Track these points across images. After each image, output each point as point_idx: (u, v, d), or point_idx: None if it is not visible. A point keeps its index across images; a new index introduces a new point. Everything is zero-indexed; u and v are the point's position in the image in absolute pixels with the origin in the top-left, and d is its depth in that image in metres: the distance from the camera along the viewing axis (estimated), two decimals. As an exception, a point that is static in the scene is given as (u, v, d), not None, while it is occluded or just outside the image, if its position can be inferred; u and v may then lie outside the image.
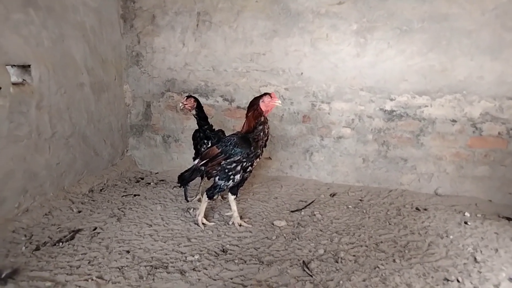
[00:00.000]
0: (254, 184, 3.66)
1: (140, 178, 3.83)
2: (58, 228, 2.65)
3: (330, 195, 3.46)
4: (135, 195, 3.30)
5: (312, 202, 3.25)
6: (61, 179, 3.13)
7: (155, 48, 3.80)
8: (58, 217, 2.83)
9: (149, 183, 3.65)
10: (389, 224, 2.89)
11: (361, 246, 2.53)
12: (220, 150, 2.61)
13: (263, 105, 2.63)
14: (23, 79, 2.76)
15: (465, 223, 2.91)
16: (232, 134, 2.68)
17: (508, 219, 3.01)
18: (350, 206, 3.21)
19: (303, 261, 2.28)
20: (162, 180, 3.75)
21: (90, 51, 3.38)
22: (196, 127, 3.15)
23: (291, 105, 3.69)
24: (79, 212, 2.94)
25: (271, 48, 3.61)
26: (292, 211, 3.07)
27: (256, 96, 2.67)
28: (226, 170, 2.60)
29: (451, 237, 2.68)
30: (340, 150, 3.69)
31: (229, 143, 2.58)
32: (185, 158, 4.00)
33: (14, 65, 2.67)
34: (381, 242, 2.60)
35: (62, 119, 3.09)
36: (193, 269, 2.17)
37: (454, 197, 3.46)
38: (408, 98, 3.45)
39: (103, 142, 3.67)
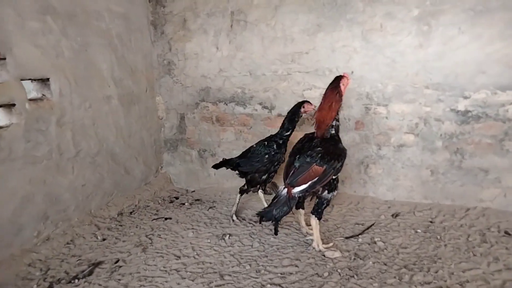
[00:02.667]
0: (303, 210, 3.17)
1: (174, 197, 3.50)
2: (78, 260, 2.36)
3: (392, 215, 2.88)
4: (166, 219, 2.96)
5: (371, 225, 2.69)
6: (87, 202, 2.86)
7: (187, 54, 3.48)
8: (80, 246, 2.54)
9: (183, 204, 3.30)
10: (474, 255, 2.27)
11: (441, 287, 1.96)
12: (325, 167, 2.17)
13: (343, 88, 2.32)
14: (42, 94, 2.53)
15: None
16: (317, 142, 2.27)
17: None
18: (419, 230, 2.61)
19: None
20: (198, 200, 3.38)
21: (117, 60, 3.12)
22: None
23: (341, 110, 3.17)
24: (104, 240, 2.63)
25: (314, 46, 3.13)
26: (347, 238, 2.54)
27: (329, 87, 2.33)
28: (331, 180, 2.25)
29: None
30: (402, 161, 3.10)
31: (334, 157, 2.19)
32: (223, 174, 3.61)
33: (33, 79, 2.45)
34: (467, 281, 2.00)
35: (87, 135, 2.83)
36: (224, 319, 1.74)
37: (555, 217, 2.74)
38: (488, 95, 2.79)
39: (134, 159, 3.39)
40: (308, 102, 2.75)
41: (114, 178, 3.13)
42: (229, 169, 2.99)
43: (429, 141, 2.99)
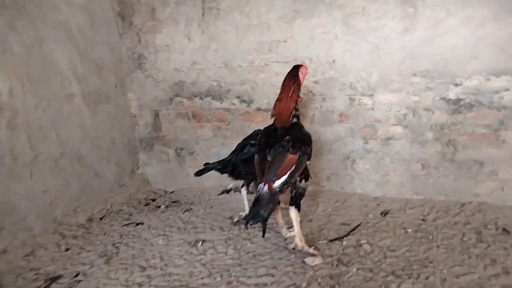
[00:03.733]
0: (281, 203, 2.95)
1: (151, 199, 3.28)
2: (35, 275, 2.14)
3: (382, 213, 2.68)
4: (137, 224, 2.74)
5: (357, 226, 2.48)
6: (50, 209, 2.63)
7: (158, 46, 3.23)
8: (40, 258, 2.32)
9: (159, 206, 3.08)
10: (469, 257, 2.06)
11: (431, 297, 1.75)
12: (298, 154, 2.06)
13: (302, 77, 2.26)
14: (-10, 95, 2.29)
15: None
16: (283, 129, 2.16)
17: None
18: (409, 230, 2.41)
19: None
20: (175, 202, 3.16)
21: (79, 56, 2.88)
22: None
23: (323, 101, 2.95)
24: (67, 250, 2.42)
25: (292, 33, 2.90)
26: (331, 240, 2.33)
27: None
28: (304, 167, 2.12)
29: None
30: (390, 154, 2.89)
31: (303, 143, 2.10)
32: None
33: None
34: (461, 288, 1.80)
35: (46, 138, 2.60)
36: None
37: (556, 211, 2.54)
38: (481, 81, 2.58)
39: (105, 160, 3.16)
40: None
41: (81, 182, 2.90)
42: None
43: (419, 133, 2.78)
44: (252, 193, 2.97)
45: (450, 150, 2.74)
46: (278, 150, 2.07)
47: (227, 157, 2.71)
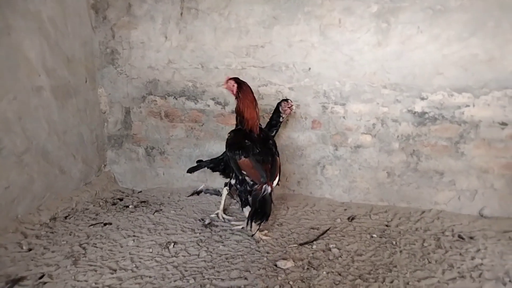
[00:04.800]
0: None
1: (118, 199, 3.19)
2: (-6, 276, 2.03)
3: (348, 218, 2.78)
4: (105, 224, 2.66)
5: (326, 231, 2.56)
6: (12, 207, 2.50)
7: (133, 43, 3.16)
8: (0, 258, 2.20)
9: (127, 206, 3.01)
10: (429, 262, 2.20)
11: (396, 299, 1.86)
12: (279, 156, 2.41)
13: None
14: (-48, 83, 2.15)
15: (530, 259, 2.22)
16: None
17: None
18: (374, 235, 2.52)
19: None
20: (144, 202, 3.10)
21: (49, 48, 2.76)
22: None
23: (297, 108, 3.02)
24: (29, 250, 2.30)
25: (271, 39, 2.95)
26: (301, 244, 2.39)
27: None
28: None
29: (516, 282, 1.99)
30: (358, 162, 3.00)
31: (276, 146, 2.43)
32: (172, 174, 3.36)
33: None
34: (422, 291, 1.92)
35: (11, 131, 2.47)
36: None
37: (505, 220, 2.76)
38: (444, 97, 2.76)
39: (71, 157, 3.05)
40: (285, 100, 2.71)
41: (46, 179, 2.78)
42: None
43: (386, 142, 2.92)
44: (232, 197, 2.99)
45: (414, 159, 2.90)
46: (269, 153, 2.33)
47: (219, 156, 2.78)
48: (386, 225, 2.69)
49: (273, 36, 2.94)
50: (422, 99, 2.80)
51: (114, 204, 3.08)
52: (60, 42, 2.85)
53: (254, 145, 2.30)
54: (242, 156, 2.27)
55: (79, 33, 3.06)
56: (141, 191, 3.41)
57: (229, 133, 2.47)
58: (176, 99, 3.20)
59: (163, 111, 3.25)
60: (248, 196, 2.34)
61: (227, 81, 2.47)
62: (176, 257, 2.23)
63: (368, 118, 2.91)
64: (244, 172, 2.29)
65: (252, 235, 2.45)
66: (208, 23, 3.00)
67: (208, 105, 3.16)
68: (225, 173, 2.71)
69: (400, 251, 2.32)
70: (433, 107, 2.79)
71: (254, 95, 2.43)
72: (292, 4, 2.84)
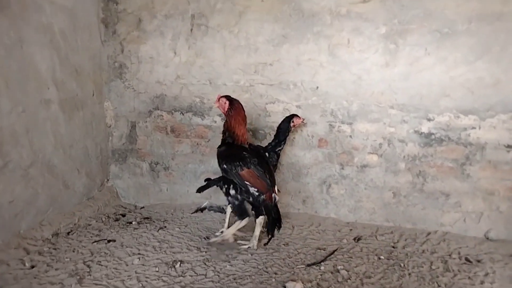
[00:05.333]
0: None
1: (121, 214, 3.15)
2: (-3, 294, 1.98)
3: (355, 239, 2.76)
4: (109, 241, 2.62)
5: (333, 252, 2.54)
6: (15, 222, 2.46)
7: (141, 57, 3.17)
8: (2, 275, 2.14)
9: (131, 222, 2.97)
10: (438, 285, 2.18)
11: (408, 325, 1.83)
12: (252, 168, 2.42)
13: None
14: (-38, 96, 2.13)
15: (540, 284, 2.20)
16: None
17: None
18: (382, 257, 2.50)
19: None
20: (147, 218, 3.06)
21: (59, 60, 2.76)
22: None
23: (304, 126, 3.03)
24: (32, 267, 2.25)
25: (279, 57, 2.97)
26: (308, 265, 2.36)
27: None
28: None
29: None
30: (364, 181, 3.00)
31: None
32: (176, 190, 3.34)
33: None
34: (434, 317, 1.90)
35: (18, 144, 2.44)
36: None
37: (511, 243, 2.75)
38: (451, 118, 2.78)
39: (76, 171, 3.01)
40: (297, 115, 2.82)
41: (50, 193, 2.74)
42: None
43: (392, 162, 2.92)
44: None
45: (420, 180, 2.90)
46: (266, 162, 2.54)
47: None
48: (393, 247, 2.67)
49: (282, 54, 2.96)
50: (429, 120, 2.82)
51: (117, 220, 3.04)
52: (69, 55, 2.86)
53: (251, 156, 2.43)
54: (245, 167, 2.37)
55: (88, 47, 3.07)
56: (143, 207, 3.37)
57: (219, 147, 2.56)
58: (183, 114, 3.20)
59: (169, 126, 3.24)
60: (245, 205, 2.53)
61: (218, 99, 2.56)
62: (183, 276, 2.19)
63: (375, 137, 2.92)
64: (248, 183, 2.38)
65: (266, 243, 2.58)
66: (217, 40, 3.02)
67: (215, 121, 3.16)
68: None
69: (409, 274, 2.30)
70: (439, 128, 2.81)
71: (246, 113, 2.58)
72: (302, 24, 2.88)
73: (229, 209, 2.73)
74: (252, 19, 2.95)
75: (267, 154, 2.77)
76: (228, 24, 2.99)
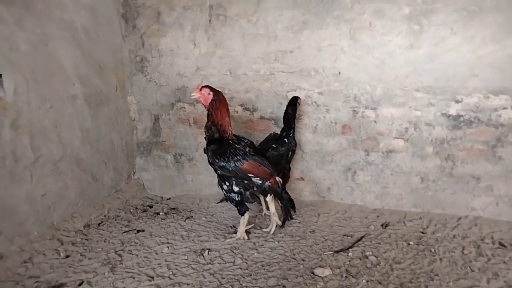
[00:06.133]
0: (284, 212, 2.96)
1: (148, 206, 3.22)
2: (35, 283, 2.05)
3: (382, 225, 2.72)
4: (138, 231, 2.68)
5: (361, 238, 2.51)
6: (48, 214, 2.55)
7: (162, 50, 3.20)
8: (39, 265, 2.23)
9: (158, 213, 3.03)
10: (471, 270, 2.12)
11: (442, 309, 1.80)
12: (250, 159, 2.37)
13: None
14: (-6, 93, 2.21)
15: None
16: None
17: None
18: (411, 242, 2.46)
19: None
20: (174, 209, 3.12)
21: (83, 56, 2.82)
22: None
23: (327, 112, 2.99)
24: (67, 257, 2.33)
25: (299, 44, 2.94)
26: (336, 252, 2.35)
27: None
28: None
29: None
30: (391, 167, 2.95)
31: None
32: (201, 181, 3.37)
33: (-19, 76, 2.13)
34: (469, 301, 1.85)
35: (48, 139, 2.52)
36: None
37: (548, 226, 2.65)
38: (480, 99, 2.68)
39: (103, 164, 3.09)
40: (298, 97, 2.87)
41: (80, 186, 2.83)
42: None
43: (419, 146, 2.85)
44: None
45: (448, 164, 2.82)
46: (258, 150, 2.48)
47: None
48: (422, 232, 2.62)
49: (302, 41, 2.92)
50: (457, 102, 2.73)
51: (144, 211, 3.11)
52: (92, 51, 2.91)
53: (245, 147, 2.37)
54: (244, 160, 2.31)
55: (110, 42, 3.12)
56: (169, 198, 3.42)
57: (207, 145, 2.42)
58: (205, 105, 3.21)
59: (191, 118, 3.27)
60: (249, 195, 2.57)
61: (200, 89, 2.36)
62: (211, 264, 2.22)
63: (400, 122, 2.86)
64: (251, 174, 2.34)
65: (282, 225, 2.63)
66: (236, 30, 3.01)
67: (237, 111, 3.16)
68: None
69: (440, 259, 2.25)
70: (468, 110, 2.71)
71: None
72: (321, 9, 2.83)
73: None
74: (270, 7, 2.92)
75: (286, 140, 2.78)
76: (246, 13, 2.97)
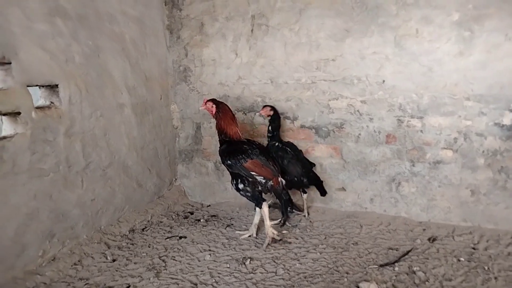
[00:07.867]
0: (325, 222, 2.91)
1: (189, 212, 3.27)
2: (85, 285, 2.14)
3: (429, 239, 2.61)
4: (180, 237, 2.72)
5: (408, 252, 2.42)
6: (97, 218, 2.66)
7: (204, 60, 3.27)
8: (88, 267, 2.32)
9: (199, 220, 3.07)
10: (531, 291, 1.98)
11: (500, 332, 1.69)
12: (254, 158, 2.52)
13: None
14: (51, 102, 2.34)
15: None
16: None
17: None
18: (462, 259, 2.33)
19: None
20: (214, 216, 3.15)
21: (131, 67, 2.93)
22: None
23: (370, 121, 2.92)
24: (114, 260, 2.41)
25: (342, 52, 2.90)
26: (381, 266, 2.27)
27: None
28: None
29: None
30: (438, 179, 2.82)
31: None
32: (241, 188, 3.38)
33: (40, 86, 2.27)
34: (530, 325, 1.73)
35: (97, 147, 2.63)
36: None
37: None
38: (537, 108, 2.52)
39: (147, 171, 3.18)
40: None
41: (125, 192, 2.92)
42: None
43: (470, 158, 2.72)
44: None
45: (502, 177, 2.67)
46: (265, 152, 2.62)
47: None
48: (473, 248, 2.48)
49: (345, 49, 2.89)
50: (511, 111, 2.58)
51: (185, 217, 3.16)
52: (139, 62, 3.02)
53: (252, 148, 2.53)
54: (248, 159, 2.47)
55: (155, 53, 3.22)
56: (209, 205, 3.46)
57: (220, 147, 2.63)
58: (245, 114, 3.24)
59: (232, 126, 3.30)
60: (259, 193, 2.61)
61: (205, 103, 2.65)
62: (253, 273, 2.21)
63: (449, 132, 2.74)
64: (254, 173, 2.47)
65: (282, 224, 2.79)
66: (278, 39, 3.03)
67: (277, 120, 3.16)
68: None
69: (495, 278, 2.12)
70: (524, 119, 2.56)
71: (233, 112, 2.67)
72: (365, 16, 2.79)
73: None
74: (313, 16, 2.91)
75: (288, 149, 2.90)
76: (289, 22, 2.98)
